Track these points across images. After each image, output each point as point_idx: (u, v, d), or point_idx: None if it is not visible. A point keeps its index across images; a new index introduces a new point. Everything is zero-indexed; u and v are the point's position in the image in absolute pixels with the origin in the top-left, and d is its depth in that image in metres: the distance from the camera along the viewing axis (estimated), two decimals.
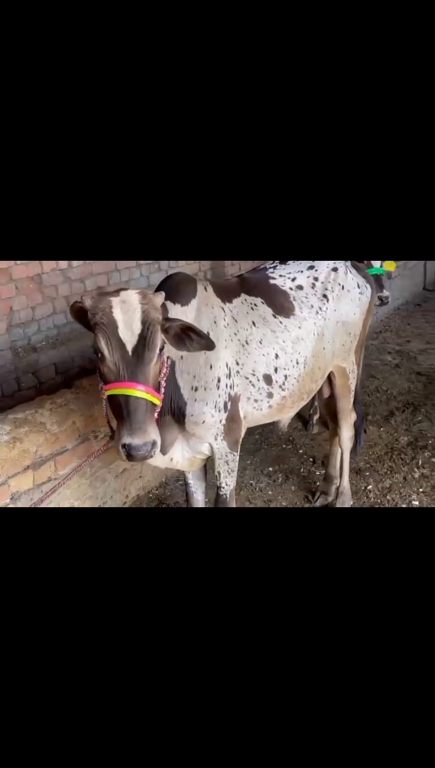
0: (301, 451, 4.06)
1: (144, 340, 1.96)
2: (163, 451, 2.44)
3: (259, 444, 4.16)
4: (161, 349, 2.04)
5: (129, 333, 1.96)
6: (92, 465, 3.19)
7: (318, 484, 3.65)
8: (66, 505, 3.07)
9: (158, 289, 2.37)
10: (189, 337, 2.11)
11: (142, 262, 4.90)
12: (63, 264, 4.20)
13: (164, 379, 2.15)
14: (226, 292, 2.58)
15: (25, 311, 3.98)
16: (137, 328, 1.96)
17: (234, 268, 5.87)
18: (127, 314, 1.97)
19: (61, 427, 2.96)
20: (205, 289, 2.50)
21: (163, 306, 2.12)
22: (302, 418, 4.37)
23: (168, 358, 2.24)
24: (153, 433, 1.97)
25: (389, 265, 4.13)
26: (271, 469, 3.83)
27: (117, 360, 1.96)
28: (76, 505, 3.13)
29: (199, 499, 2.81)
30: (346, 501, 3.30)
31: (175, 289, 2.38)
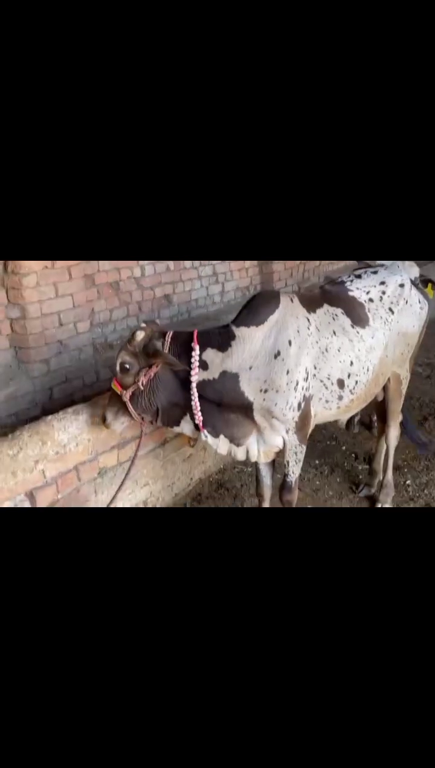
0: (343, 447, 4.11)
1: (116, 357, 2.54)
2: (238, 444, 2.57)
3: None
4: (127, 368, 2.49)
5: None
6: (165, 449, 3.26)
7: (361, 477, 3.69)
8: (142, 482, 3.14)
9: (242, 311, 2.56)
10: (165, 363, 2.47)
11: (202, 275, 4.99)
12: (137, 272, 4.31)
13: (136, 386, 2.50)
14: (311, 303, 2.68)
15: (103, 313, 4.11)
16: None
17: (280, 283, 5.94)
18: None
19: None
20: (292, 300, 2.61)
21: (147, 341, 2.47)
22: None
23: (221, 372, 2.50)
24: (105, 410, 2.63)
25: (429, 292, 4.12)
26: (317, 462, 3.89)
27: None
28: (150, 483, 3.20)
29: (267, 483, 2.90)
30: (390, 492, 3.35)
31: (252, 311, 2.54)
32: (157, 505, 3.30)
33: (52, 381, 3.62)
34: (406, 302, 2.90)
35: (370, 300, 2.80)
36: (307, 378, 2.53)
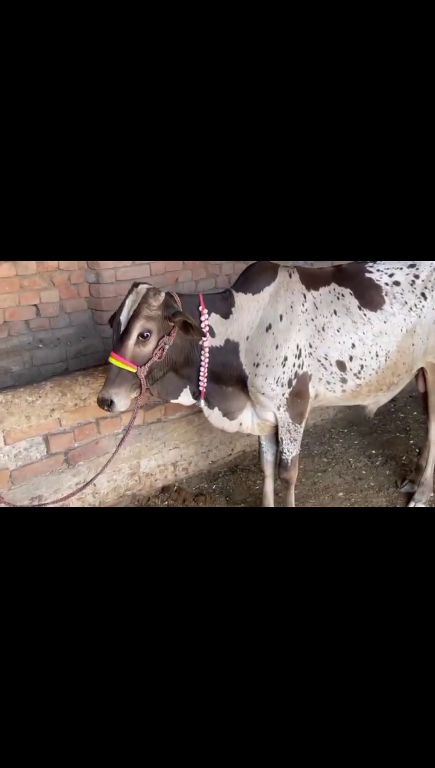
0: (411, 441, 3.78)
1: (128, 326, 2.19)
2: (231, 417, 2.53)
3: (375, 428, 3.95)
4: (145, 337, 2.20)
5: (125, 317, 2.21)
6: (199, 416, 3.31)
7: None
8: (171, 444, 3.24)
9: (239, 278, 2.47)
10: (186, 328, 2.24)
11: None
12: None
13: (154, 359, 2.24)
14: (315, 280, 2.54)
15: (188, 284, 4.20)
16: (126, 316, 2.20)
17: None
18: (130, 303, 2.21)
19: None
20: (290, 275, 2.50)
21: (166, 302, 2.23)
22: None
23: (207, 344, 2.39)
24: (109, 394, 2.21)
25: None
26: (373, 451, 3.64)
27: (114, 332, 2.27)
28: (181, 446, 3.28)
29: (268, 459, 2.83)
30: (426, 491, 3.05)
31: (249, 279, 2.49)
32: (189, 469, 3.38)
33: None
34: None
35: (395, 283, 2.53)
36: (299, 355, 2.40)
